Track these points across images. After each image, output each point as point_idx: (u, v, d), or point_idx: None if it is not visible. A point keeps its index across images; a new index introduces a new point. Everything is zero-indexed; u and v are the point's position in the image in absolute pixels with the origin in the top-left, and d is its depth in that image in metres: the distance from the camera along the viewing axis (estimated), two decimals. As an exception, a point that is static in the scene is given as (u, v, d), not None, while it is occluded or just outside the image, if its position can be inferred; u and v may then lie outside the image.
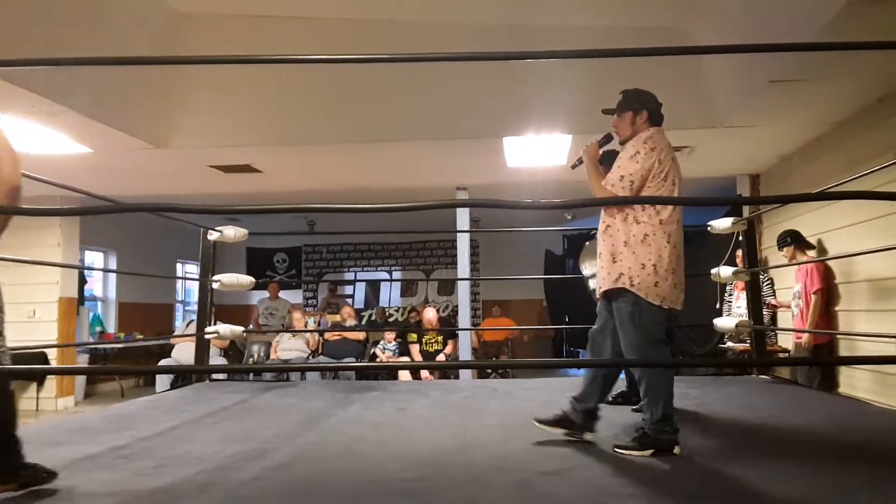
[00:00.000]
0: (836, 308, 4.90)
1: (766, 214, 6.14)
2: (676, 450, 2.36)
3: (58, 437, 2.78)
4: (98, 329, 9.08)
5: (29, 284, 7.34)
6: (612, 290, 2.52)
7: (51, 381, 7.58)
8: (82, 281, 8.56)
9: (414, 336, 7.68)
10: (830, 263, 4.92)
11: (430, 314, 7.86)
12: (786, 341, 5.68)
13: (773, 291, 6.03)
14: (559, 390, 3.97)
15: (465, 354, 6.98)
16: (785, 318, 5.80)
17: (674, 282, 2.47)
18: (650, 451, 2.35)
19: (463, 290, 7.22)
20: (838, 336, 4.90)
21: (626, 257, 2.46)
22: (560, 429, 2.55)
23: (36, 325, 7.48)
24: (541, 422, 2.59)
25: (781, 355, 5.61)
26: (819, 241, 5.18)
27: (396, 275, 12.13)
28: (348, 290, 12.29)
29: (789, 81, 4.14)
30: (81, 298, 8.48)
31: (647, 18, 4.79)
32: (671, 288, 2.46)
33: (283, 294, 9.75)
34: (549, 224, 9.27)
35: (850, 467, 2.21)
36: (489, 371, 7.77)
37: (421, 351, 7.50)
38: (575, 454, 2.41)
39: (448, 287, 11.43)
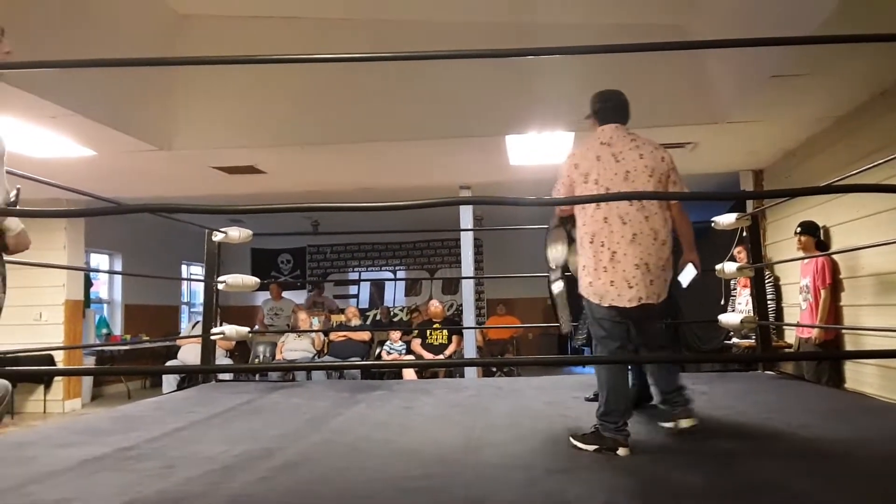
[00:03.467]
0: (842, 303, 4.88)
1: (770, 210, 6.11)
2: (621, 451, 2.36)
3: (65, 439, 2.79)
4: (104, 331, 9.11)
5: (35, 287, 7.37)
6: None
7: (58, 384, 7.61)
8: (88, 283, 8.59)
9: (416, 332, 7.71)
10: (835, 258, 4.90)
11: (434, 305, 7.91)
12: (790, 336, 5.66)
13: (777, 290, 5.98)
14: (564, 388, 3.97)
15: (470, 353, 6.97)
16: (791, 314, 5.78)
17: (608, 279, 2.52)
18: (593, 448, 2.40)
19: (467, 288, 7.22)
20: (843, 331, 4.88)
21: (578, 264, 2.68)
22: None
23: (42, 327, 7.51)
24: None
25: (787, 350, 5.58)
26: (825, 235, 5.16)
27: (400, 274, 12.13)
28: (353, 290, 12.29)
29: (791, 76, 4.13)
30: (87, 301, 8.50)
31: (648, 15, 4.78)
32: (606, 285, 2.53)
33: (287, 294, 9.76)
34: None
35: (855, 462, 2.21)
36: (494, 369, 7.77)
37: (425, 344, 7.51)
38: (582, 453, 2.41)
39: (452, 286, 11.43)
